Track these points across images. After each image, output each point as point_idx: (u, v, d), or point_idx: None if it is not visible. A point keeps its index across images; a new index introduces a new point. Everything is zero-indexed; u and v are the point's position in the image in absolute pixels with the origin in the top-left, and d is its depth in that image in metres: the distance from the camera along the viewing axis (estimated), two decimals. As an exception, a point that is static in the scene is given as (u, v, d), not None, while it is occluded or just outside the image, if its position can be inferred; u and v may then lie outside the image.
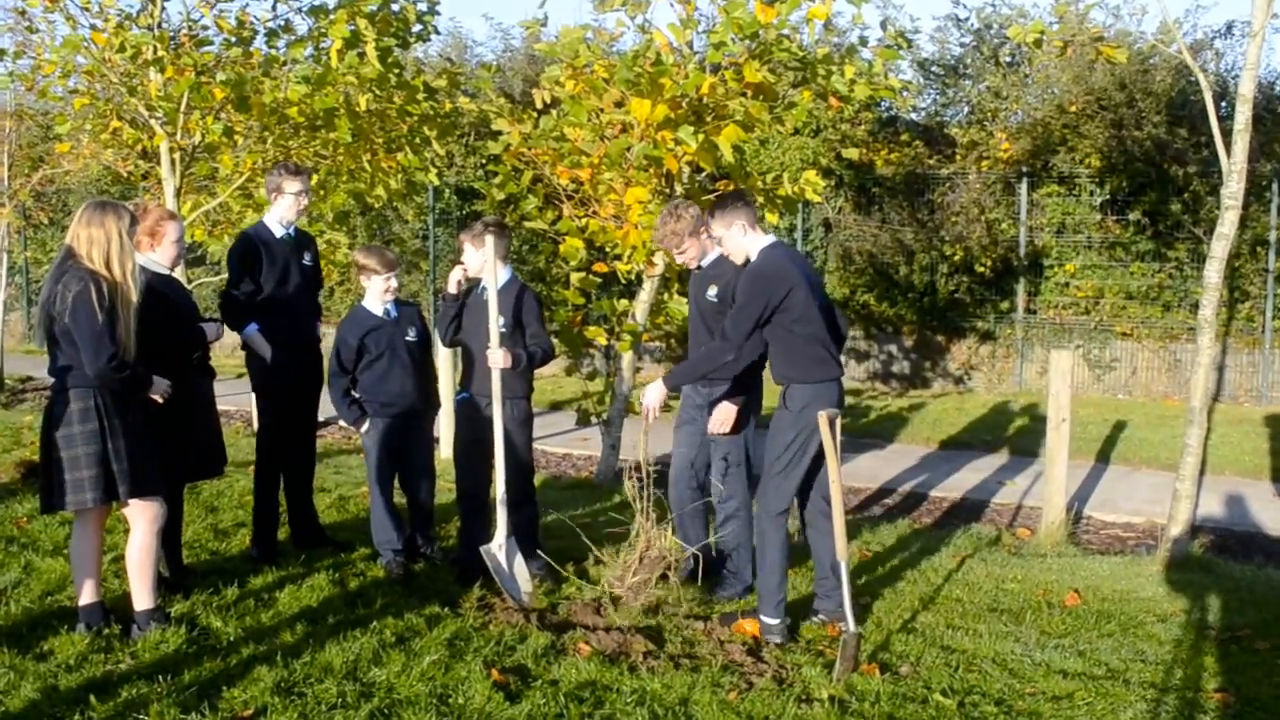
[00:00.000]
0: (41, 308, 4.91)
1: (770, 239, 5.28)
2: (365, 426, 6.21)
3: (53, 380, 4.95)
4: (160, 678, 4.52)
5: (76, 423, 4.85)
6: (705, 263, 5.95)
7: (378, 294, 6.27)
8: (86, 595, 5.08)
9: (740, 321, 5.11)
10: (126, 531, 5.15)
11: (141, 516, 5.03)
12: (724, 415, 5.73)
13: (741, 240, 5.28)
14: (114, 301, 4.83)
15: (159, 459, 5.14)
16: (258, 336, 6.26)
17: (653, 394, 5.42)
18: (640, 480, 5.54)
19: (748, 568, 5.86)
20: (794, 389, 5.15)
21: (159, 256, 5.46)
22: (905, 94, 17.34)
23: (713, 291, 5.81)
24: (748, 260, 5.27)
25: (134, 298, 4.93)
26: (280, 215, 6.38)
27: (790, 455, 5.14)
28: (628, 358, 9.15)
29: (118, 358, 4.83)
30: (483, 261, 5.95)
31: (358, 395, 6.26)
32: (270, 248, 6.31)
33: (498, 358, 5.83)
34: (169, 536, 5.78)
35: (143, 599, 5.07)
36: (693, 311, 6.02)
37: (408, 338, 6.28)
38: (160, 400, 5.16)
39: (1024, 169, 15.18)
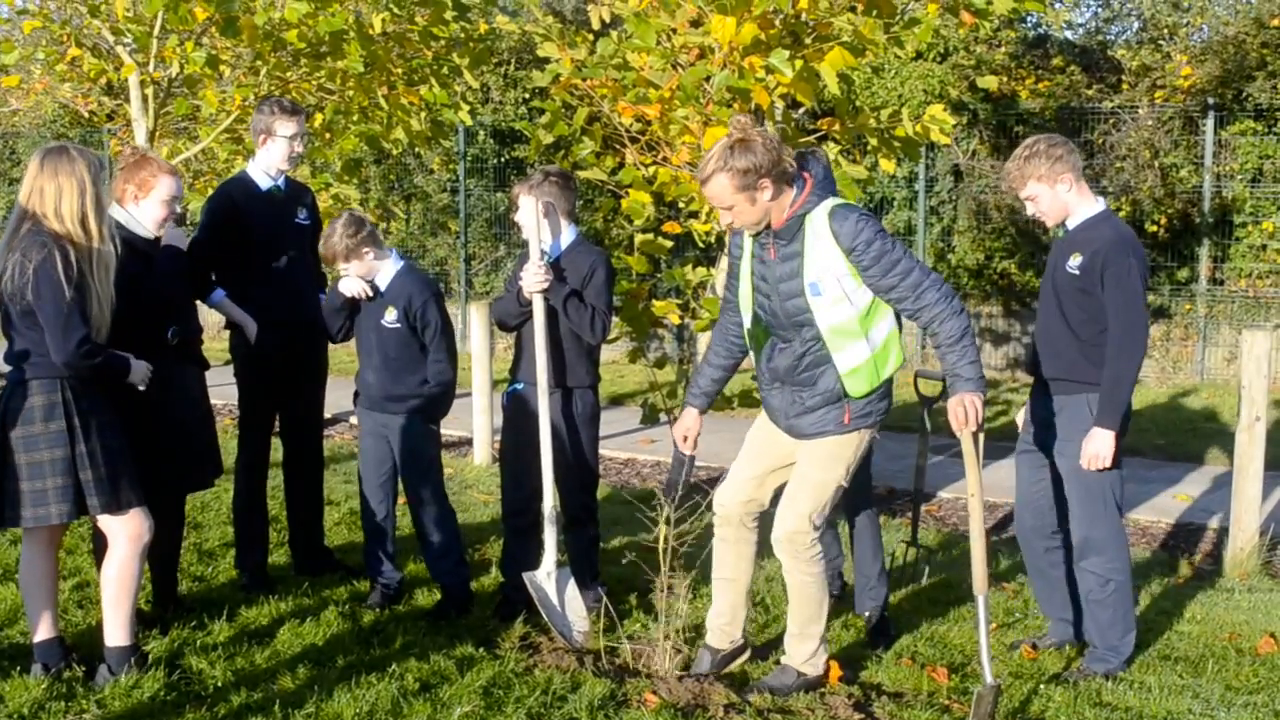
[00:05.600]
0: None
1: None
2: None
3: (8, 369, 5.03)
4: (134, 730, 4.64)
5: (39, 420, 4.93)
6: (1072, 225, 5.83)
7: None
8: (42, 630, 5.19)
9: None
10: (91, 552, 5.26)
11: (122, 532, 5.10)
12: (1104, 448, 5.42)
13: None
14: (83, 270, 4.90)
15: (135, 464, 5.20)
16: (228, 303, 6.34)
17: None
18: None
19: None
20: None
21: (141, 214, 5.54)
22: (1058, 5, 17.22)
23: (1076, 261, 5.61)
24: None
25: (112, 262, 5.01)
26: (268, 163, 6.44)
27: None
28: (705, 340, 9.16)
29: (89, 341, 4.91)
30: (537, 221, 5.90)
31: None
32: (254, 204, 6.38)
33: (536, 277, 5.80)
34: (166, 560, 5.91)
35: (117, 633, 5.15)
36: (1045, 288, 5.79)
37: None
38: (141, 388, 5.27)
39: (1210, 101, 14.95)
